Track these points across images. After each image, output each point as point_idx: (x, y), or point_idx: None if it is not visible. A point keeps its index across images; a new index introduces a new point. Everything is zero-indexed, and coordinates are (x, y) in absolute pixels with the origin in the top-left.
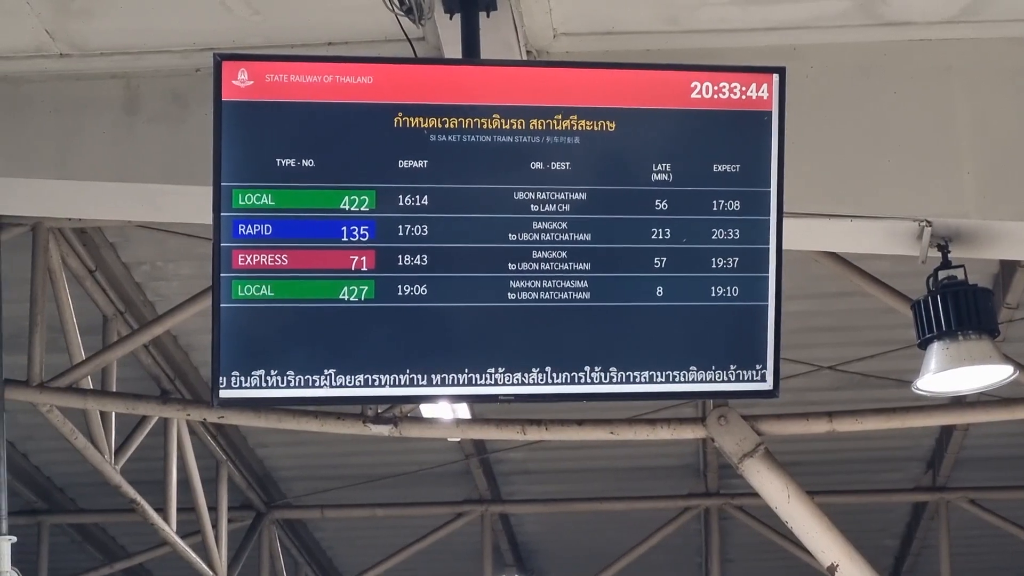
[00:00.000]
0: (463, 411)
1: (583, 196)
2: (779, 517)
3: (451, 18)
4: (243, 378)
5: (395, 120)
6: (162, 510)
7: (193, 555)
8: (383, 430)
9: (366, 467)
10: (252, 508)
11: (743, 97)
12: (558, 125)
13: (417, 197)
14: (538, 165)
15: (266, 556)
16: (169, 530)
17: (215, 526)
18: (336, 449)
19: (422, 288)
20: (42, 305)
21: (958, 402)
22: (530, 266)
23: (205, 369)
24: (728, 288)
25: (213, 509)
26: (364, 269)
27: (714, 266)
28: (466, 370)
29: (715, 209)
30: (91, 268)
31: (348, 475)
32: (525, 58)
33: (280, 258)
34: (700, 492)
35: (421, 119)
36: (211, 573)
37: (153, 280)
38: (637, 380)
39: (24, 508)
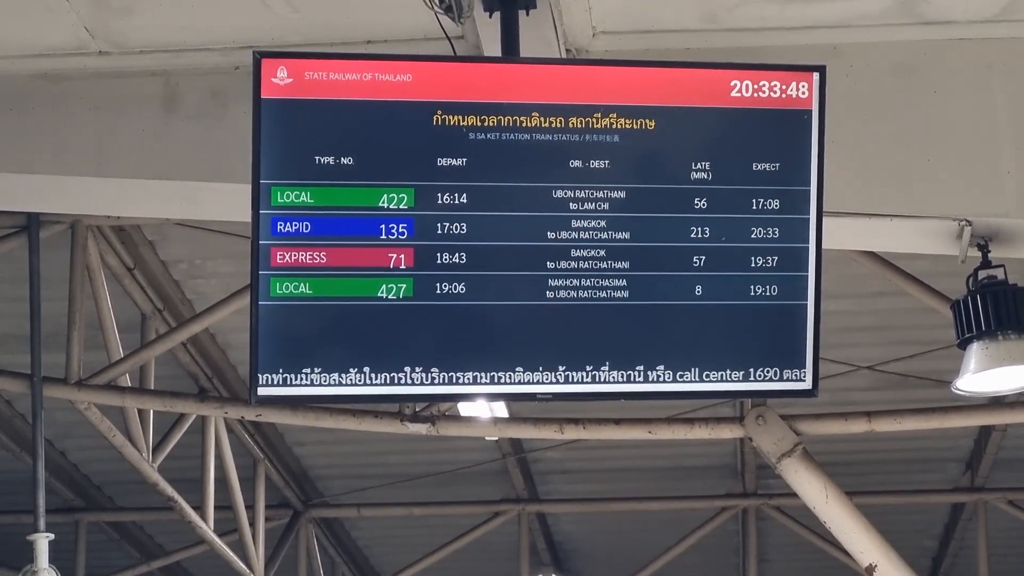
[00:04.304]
0: (501, 410)
1: (622, 194)
2: (817, 517)
3: (490, 16)
4: (281, 376)
5: (434, 118)
6: (199, 508)
7: (230, 553)
8: (420, 429)
9: (403, 466)
10: (289, 507)
11: (783, 96)
12: (597, 123)
13: (456, 195)
14: (577, 163)
15: (303, 555)
16: (206, 528)
17: (252, 524)
18: (373, 448)
19: (460, 286)
20: (80, 303)
21: (997, 402)
22: (569, 265)
23: (243, 367)
24: (767, 287)
25: (250, 507)
26: (402, 267)
27: (753, 265)
28: (504, 368)
29: (754, 208)
30: (129, 266)
31: (385, 474)
32: (564, 56)
33: (319, 256)
34: (738, 492)
35: (460, 117)
36: (248, 571)
37: (191, 278)
38: (675, 379)
39: (62, 506)
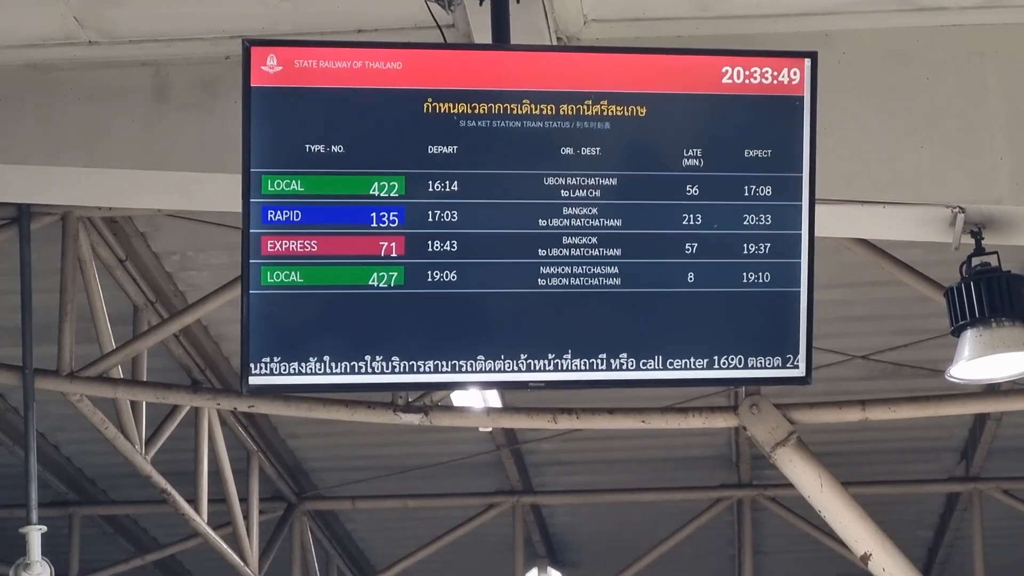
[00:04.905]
0: (494, 399)
1: (614, 181)
2: (812, 508)
3: (481, 4)
4: (272, 364)
5: (424, 106)
6: (193, 501)
7: (224, 546)
8: (413, 419)
9: (397, 458)
10: (283, 499)
11: (775, 82)
12: (588, 110)
13: (447, 183)
14: (568, 150)
15: (297, 547)
16: (200, 521)
17: (246, 517)
18: (367, 440)
19: (452, 274)
20: (72, 295)
21: (992, 390)
22: (560, 252)
23: (236, 359)
24: (760, 274)
25: (244, 500)
26: (394, 255)
27: (746, 252)
28: (496, 356)
29: (747, 194)
30: (121, 258)
31: (379, 466)
32: (555, 44)
33: (309, 244)
34: (733, 483)
35: (451, 104)
36: (242, 564)
37: (184, 270)
38: (668, 367)
39: (55, 500)
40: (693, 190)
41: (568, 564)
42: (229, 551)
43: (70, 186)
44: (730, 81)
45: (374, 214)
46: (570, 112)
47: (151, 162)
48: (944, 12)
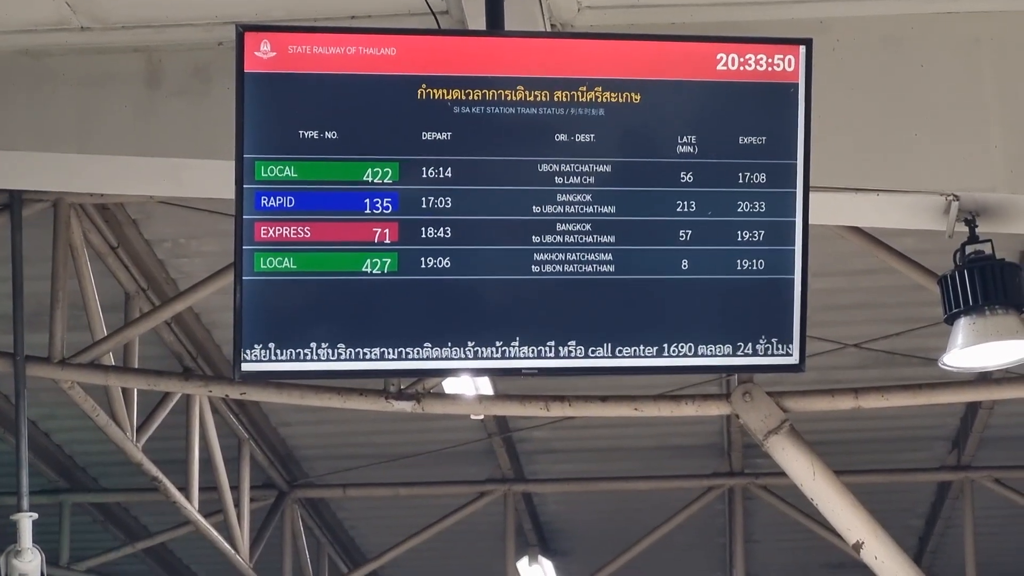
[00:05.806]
0: (486, 387)
1: (608, 168)
2: (804, 496)
3: None
4: (265, 351)
5: (419, 92)
6: (184, 489)
7: (216, 534)
8: (405, 406)
9: (389, 446)
10: (274, 487)
11: (769, 69)
12: (583, 97)
13: (441, 169)
14: (562, 137)
15: (288, 535)
16: (191, 509)
17: (237, 505)
18: (358, 428)
19: (445, 261)
20: (63, 282)
21: (984, 378)
22: (554, 239)
23: (228, 347)
24: (754, 261)
25: (235, 488)
26: (387, 241)
27: (740, 239)
28: (489, 344)
29: (741, 181)
30: (113, 245)
31: (370, 454)
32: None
33: (303, 230)
34: (724, 472)
35: (445, 91)
36: (233, 552)
37: (176, 257)
38: (662, 354)
39: (46, 487)
40: (687, 177)
41: (559, 553)
42: (220, 539)
43: (62, 172)
44: (724, 68)
45: (367, 200)
46: (564, 99)
47: (143, 148)
48: None
